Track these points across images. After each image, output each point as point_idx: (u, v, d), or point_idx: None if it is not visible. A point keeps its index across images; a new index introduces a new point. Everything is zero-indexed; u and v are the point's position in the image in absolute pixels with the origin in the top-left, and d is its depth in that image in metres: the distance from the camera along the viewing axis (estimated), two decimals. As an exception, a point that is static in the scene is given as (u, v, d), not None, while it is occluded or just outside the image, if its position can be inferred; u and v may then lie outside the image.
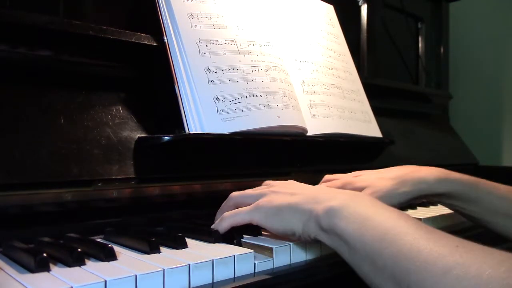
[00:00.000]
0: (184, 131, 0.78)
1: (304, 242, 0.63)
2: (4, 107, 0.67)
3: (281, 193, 0.64)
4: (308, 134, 0.94)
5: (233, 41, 0.88)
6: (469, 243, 0.47)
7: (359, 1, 1.43)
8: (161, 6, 0.84)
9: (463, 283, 0.42)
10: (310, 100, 0.99)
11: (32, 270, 0.49)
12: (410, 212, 0.98)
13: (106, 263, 0.53)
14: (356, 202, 0.56)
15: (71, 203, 0.68)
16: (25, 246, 0.59)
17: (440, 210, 0.96)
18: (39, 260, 0.49)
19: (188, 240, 0.63)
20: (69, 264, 0.51)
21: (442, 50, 1.77)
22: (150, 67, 0.85)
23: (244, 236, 0.67)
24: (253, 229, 0.69)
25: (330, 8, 1.20)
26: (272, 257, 0.61)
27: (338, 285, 0.66)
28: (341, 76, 1.10)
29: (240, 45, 0.88)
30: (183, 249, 0.60)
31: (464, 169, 1.50)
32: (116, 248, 0.57)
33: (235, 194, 0.70)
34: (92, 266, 0.51)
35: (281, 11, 1.06)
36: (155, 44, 0.83)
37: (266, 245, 0.62)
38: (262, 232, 0.70)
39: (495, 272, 0.42)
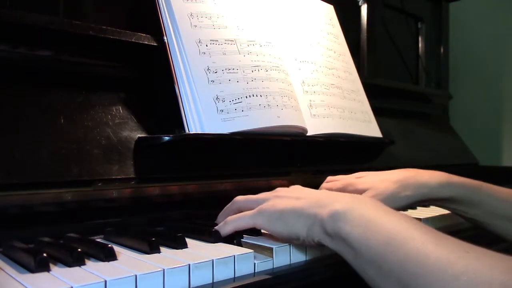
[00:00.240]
0: (184, 131, 0.78)
1: (308, 246, 0.63)
2: (4, 107, 0.67)
3: (285, 198, 0.63)
4: (308, 134, 0.94)
5: (233, 41, 0.88)
6: (478, 248, 0.46)
7: (359, 1, 1.43)
8: (161, 6, 0.84)
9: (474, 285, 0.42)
10: (310, 100, 0.99)
11: (32, 270, 0.49)
12: (409, 212, 0.98)
13: (106, 263, 0.53)
14: (360, 206, 0.55)
15: (71, 203, 0.68)
16: (25, 246, 0.59)
17: (440, 210, 0.96)
18: (39, 260, 0.49)
19: (188, 240, 0.63)
20: (69, 264, 0.51)
21: (442, 50, 1.77)
22: (150, 67, 0.85)
23: (244, 236, 0.67)
24: (254, 229, 0.69)
25: (330, 8, 1.20)
26: (272, 257, 0.61)
27: (338, 285, 0.66)
28: (341, 76, 1.10)
29: (240, 45, 0.88)
30: (183, 249, 0.60)
31: (464, 169, 1.51)
32: (116, 248, 0.57)
33: (239, 198, 0.70)
34: (92, 266, 0.51)
35: (281, 11, 1.06)
36: (155, 44, 0.83)
37: (266, 245, 0.62)
38: (262, 232, 0.70)
39: (506, 278, 0.41)
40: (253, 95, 0.84)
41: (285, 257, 0.62)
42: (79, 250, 0.52)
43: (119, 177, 0.72)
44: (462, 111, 1.97)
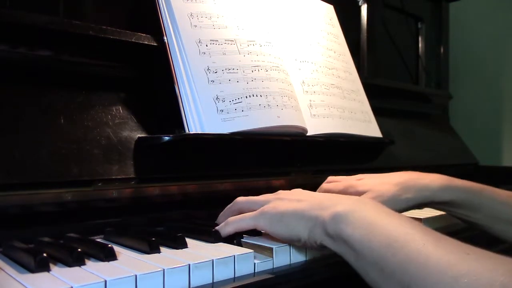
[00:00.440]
0: (184, 131, 0.78)
1: (309, 248, 0.63)
2: (4, 107, 0.67)
3: (286, 200, 0.64)
4: (308, 134, 0.94)
5: (233, 41, 0.88)
6: (478, 250, 0.46)
7: (359, 1, 1.43)
8: (161, 6, 0.84)
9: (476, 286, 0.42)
10: (310, 100, 0.99)
11: (32, 270, 0.49)
12: (409, 212, 0.98)
13: (106, 263, 0.53)
14: (362, 208, 0.55)
15: (71, 203, 0.68)
16: (25, 246, 0.59)
17: (439, 210, 0.96)
18: (39, 260, 0.49)
19: (188, 240, 0.63)
20: (69, 264, 0.51)
21: (442, 50, 1.77)
22: (150, 67, 0.85)
23: (244, 236, 0.67)
24: (253, 229, 0.69)
25: (330, 8, 1.20)
26: (272, 257, 0.61)
27: (338, 285, 0.66)
28: (341, 76, 1.10)
29: (240, 45, 0.88)
30: (183, 249, 0.60)
31: (464, 169, 1.51)
32: (116, 248, 0.57)
33: (240, 199, 0.70)
34: (92, 266, 0.51)
35: (281, 11, 1.06)
36: (155, 44, 0.83)
37: (266, 245, 0.62)
38: (262, 232, 0.70)
39: (507, 280, 0.41)
40: (253, 95, 0.84)
41: (285, 257, 0.62)
42: (79, 250, 0.52)
43: (119, 177, 0.72)
44: (462, 111, 1.97)
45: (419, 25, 1.71)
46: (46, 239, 0.64)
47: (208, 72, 0.82)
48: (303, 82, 1.00)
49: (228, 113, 0.80)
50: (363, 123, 1.09)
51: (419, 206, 0.82)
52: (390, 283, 0.48)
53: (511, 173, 1.53)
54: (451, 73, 1.84)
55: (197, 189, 0.83)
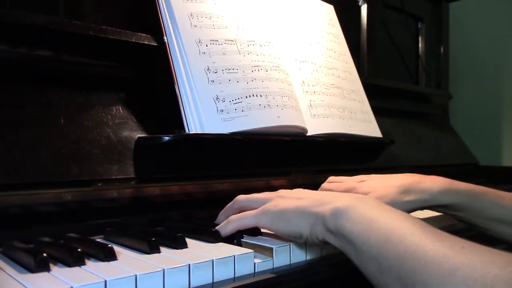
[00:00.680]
0: (184, 131, 0.78)
1: (312, 244, 0.63)
2: (4, 107, 0.67)
3: (287, 198, 0.64)
4: (308, 134, 0.94)
5: (233, 41, 0.88)
6: (474, 244, 0.47)
7: (359, 1, 1.43)
8: (161, 6, 0.84)
9: (469, 283, 0.42)
10: (310, 100, 0.99)
11: (32, 270, 0.49)
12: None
13: (106, 263, 0.53)
14: (361, 204, 0.56)
15: (71, 203, 0.68)
16: (25, 246, 0.59)
17: (440, 212, 0.96)
18: (39, 260, 0.49)
19: (188, 240, 0.63)
20: (69, 264, 0.51)
21: (442, 50, 1.77)
22: (150, 67, 0.85)
23: (244, 236, 0.67)
24: (253, 229, 0.69)
25: (330, 8, 1.20)
26: (272, 257, 0.61)
27: (338, 285, 0.66)
28: (341, 76, 1.10)
29: (240, 45, 0.88)
30: (183, 249, 0.60)
31: (464, 169, 1.51)
32: (116, 248, 0.57)
33: (241, 197, 0.70)
34: (92, 266, 0.51)
35: (281, 11, 1.06)
36: (155, 44, 0.83)
37: (266, 245, 0.62)
38: (262, 232, 0.70)
39: (502, 272, 0.42)
40: (253, 95, 0.84)
41: (285, 257, 0.62)
42: (79, 250, 0.52)
43: (119, 177, 0.72)
44: (462, 111, 1.97)
45: (419, 25, 1.71)
46: (46, 239, 0.64)
47: (208, 72, 0.82)
48: (303, 82, 1.00)
49: (228, 113, 0.80)
50: (363, 123, 1.09)
51: (420, 209, 0.81)
52: (389, 277, 0.49)
53: (511, 173, 1.53)
54: (451, 73, 1.84)
55: (197, 189, 0.83)
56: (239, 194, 0.71)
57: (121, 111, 0.79)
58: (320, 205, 0.59)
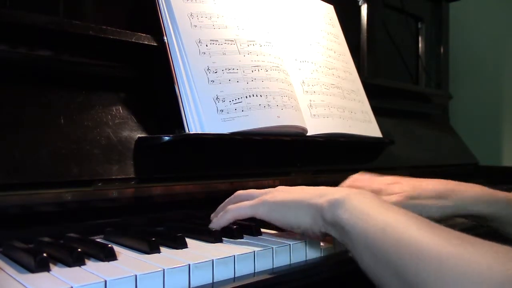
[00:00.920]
0: (184, 131, 0.78)
1: (311, 236, 0.63)
2: (4, 107, 0.67)
3: (285, 191, 0.66)
4: (308, 134, 0.94)
5: (233, 41, 0.88)
6: (471, 237, 0.47)
7: (359, 1, 1.43)
8: (161, 6, 0.84)
9: (462, 270, 0.43)
10: (310, 100, 0.99)
11: (32, 270, 0.49)
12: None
13: (106, 263, 0.53)
14: (359, 196, 0.57)
15: (71, 203, 0.68)
16: (25, 246, 0.59)
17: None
18: (39, 260, 0.49)
19: (188, 240, 0.63)
20: (69, 264, 0.51)
21: (442, 50, 1.77)
22: (150, 67, 0.85)
23: (244, 236, 0.67)
24: (253, 229, 0.69)
25: (330, 8, 1.20)
26: (273, 257, 0.61)
27: (338, 285, 0.66)
28: (341, 76, 1.10)
29: (240, 45, 0.88)
30: (183, 249, 0.60)
31: (464, 169, 1.51)
32: (116, 248, 0.57)
33: (240, 192, 0.71)
34: (92, 266, 0.51)
35: (281, 11, 1.06)
36: (155, 44, 0.83)
37: (266, 245, 0.62)
38: (262, 232, 0.70)
39: (497, 263, 0.42)
40: (253, 95, 0.84)
41: (285, 257, 0.62)
42: (79, 250, 0.52)
43: (119, 177, 0.72)
44: (462, 111, 1.97)
45: (419, 25, 1.71)
46: (46, 239, 0.64)
47: (208, 72, 0.82)
48: (303, 82, 1.00)
49: (228, 113, 0.80)
50: (363, 123, 1.09)
51: (453, 216, 0.78)
52: (383, 267, 0.49)
53: (511, 173, 1.53)
54: (451, 73, 1.84)
55: (197, 189, 0.83)
56: (239, 194, 0.71)
57: (121, 111, 0.79)
58: (317, 197, 0.60)
